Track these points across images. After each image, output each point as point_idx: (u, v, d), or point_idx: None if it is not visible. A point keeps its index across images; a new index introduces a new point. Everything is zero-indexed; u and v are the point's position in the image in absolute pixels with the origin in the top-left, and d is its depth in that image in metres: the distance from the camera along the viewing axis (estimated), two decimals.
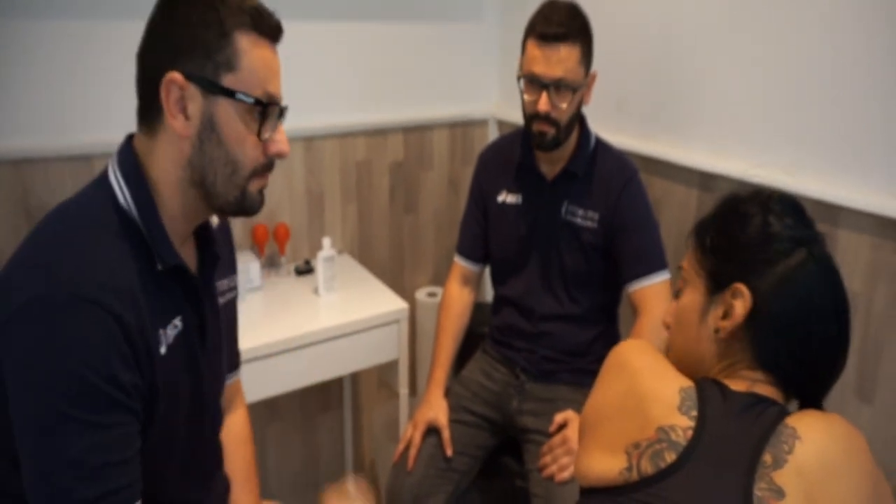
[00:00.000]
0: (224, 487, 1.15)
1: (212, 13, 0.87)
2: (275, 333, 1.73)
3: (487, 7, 2.36)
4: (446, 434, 1.61)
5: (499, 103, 2.44)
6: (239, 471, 1.20)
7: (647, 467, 0.80)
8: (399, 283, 2.41)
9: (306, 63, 2.08)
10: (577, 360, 1.67)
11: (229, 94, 0.87)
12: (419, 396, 2.38)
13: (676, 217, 1.80)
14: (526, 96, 1.52)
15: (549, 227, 1.64)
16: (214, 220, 1.09)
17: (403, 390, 1.94)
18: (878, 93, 1.32)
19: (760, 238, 0.86)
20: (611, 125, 1.91)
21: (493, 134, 2.45)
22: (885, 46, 1.29)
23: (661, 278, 1.56)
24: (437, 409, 1.65)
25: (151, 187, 0.91)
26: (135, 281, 0.86)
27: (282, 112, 0.94)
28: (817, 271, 0.85)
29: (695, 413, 0.81)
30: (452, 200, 2.45)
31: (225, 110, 0.88)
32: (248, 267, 1.95)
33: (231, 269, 1.16)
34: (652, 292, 1.55)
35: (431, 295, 2.35)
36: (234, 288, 1.17)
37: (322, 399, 2.36)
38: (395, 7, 2.19)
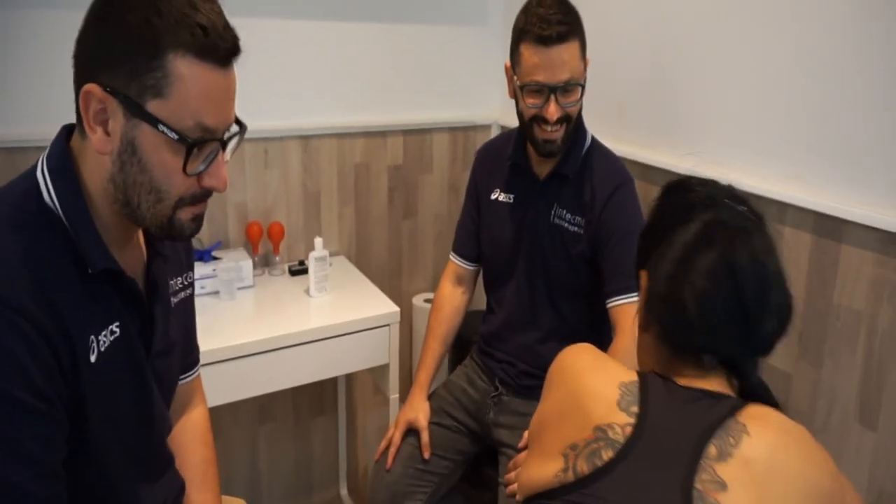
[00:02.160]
0: (178, 489, 1.10)
1: (147, 26, 0.75)
2: (262, 332, 1.70)
3: (491, 10, 2.33)
4: (425, 436, 1.60)
5: (502, 108, 2.40)
6: (196, 470, 1.15)
7: (584, 467, 0.77)
8: (396, 287, 2.37)
9: (307, 61, 2.06)
10: None
11: (152, 121, 0.77)
12: None
13: None
14: (528, 102, 1.43)
15: (537, 230, 1.58)
16: None
17: (394, 395, 1.90)
18: (884, 104, 1.27)
19: (656, 222, 0.88)
20: (611, 132, 1.87)
21: None
22: (889, 57, 1.25)
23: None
24: (417, 411, 1.64)
25: (83, 187, 0.84)
26: (56, 284, 0.79)
27: (224, 144, 0.84)
28: (704, 240, 0.82)
29: (635, 409, 0.78)
30: (452, 205, 2.41)
31: (148, 137, 0.78)
32: (240, 265, 1.92)
33: (185, 266, 1.10)
34: (627, 311, 1.42)
35: (429, 301, 2.31)
36: (188, 285, 1.11)
37: (316, 402, 2.32)
38: (398, 8, 2.16)
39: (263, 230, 2.05)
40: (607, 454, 0.76)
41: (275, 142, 2.06)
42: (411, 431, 1.63)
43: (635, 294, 1.42)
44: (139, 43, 0.75)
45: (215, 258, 1.94)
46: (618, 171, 1.54)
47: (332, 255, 2.10)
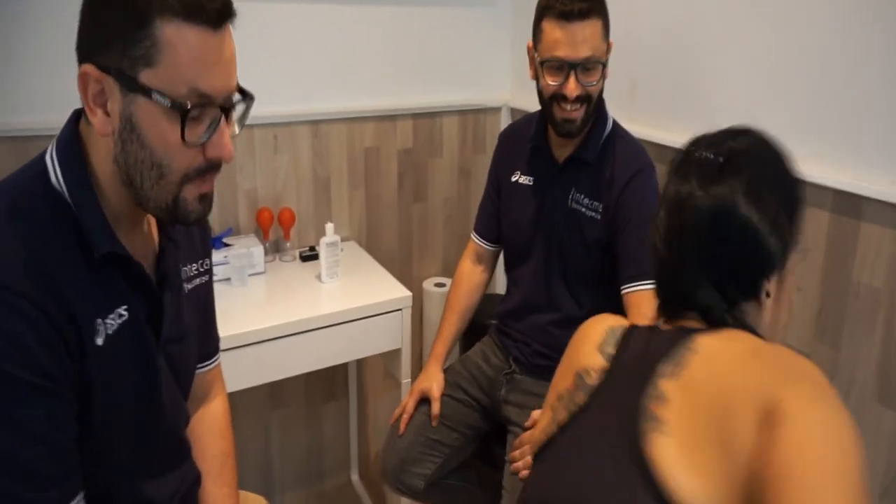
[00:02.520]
0: (192, 480, 1.09)
1: None
2: (274, 318, 1.70)
3: None
4: (436, 406, 1.64)
5: (513, 91, 2.38)
6: (213, 463, 1.14)
7: (563, 416, 0.77)
8: (407, 272, 2.36)
9: (316, 45, 2.04)
10: None
11: (146, 92, 0.76)
12: None
13: None
14: (549, 80, 1.42)
15: (555, 213, 1.58)
16: None
17: (406, 380, 1.90)
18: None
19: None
20: (623, 112, 1.85)
21: (506, 121, 2.39)
22: None
23: (652, 284, 1.47)
24: (431, 381, 1.67)
25: (90, 171, 0.83)
26: (61, 267, 0.79)
27: (227, 110, 0.82)
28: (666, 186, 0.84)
29: (611, 350, 0.78)
30: (463, 189, 2.40)
31: (144, 110, 0.77)
32: (251, 251, 1.92)
33: (201, 253, 1.09)
34: (640, 298, 1.42)
35: (439, 285, 2.30)
36: (205, 272, 1.10)
37: (327, 388, 2.32)
38: None
39: (274, 216, 2.04)
40: (580, 398, 0.77)
41: (284, 127, 2.05)
42: (425, 400, 1.67)
43: (650, 281, 1.42)
44: (126, 15, 0.75)
45: (226, 245, 1.94)
46: (638, 156, 1.52)
47: (342, 240, 2.09)
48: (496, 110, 2.39)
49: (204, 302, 1.12)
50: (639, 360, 0.76)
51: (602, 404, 0.75)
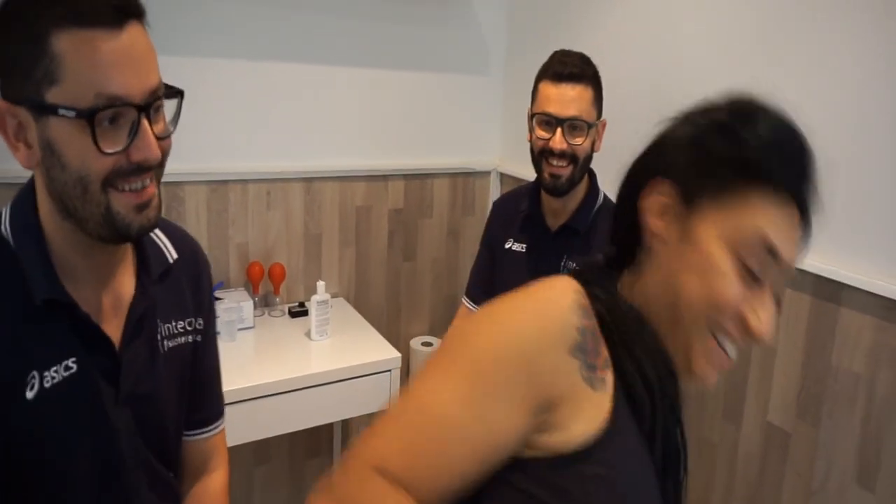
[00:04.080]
0: None
1: (20, 18, 0.72)
2: (264, 376, 1.70)
3: (493, 61, 2.39)
4: None
5: (502, 156, 2.45)
6: None
7: None
8: (394, 330, 2.38)
9: (311, 104, 2.09)
10: None
11: (54, 110, 0.73)
12: None
13: None
14: (538, 134, 1.54)
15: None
16: (173, 253, 0.98)
17: None
18: (891, 171, 1.31)
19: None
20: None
21: (494, 185, 2.45)
22: (893, 120, 1.29)
23: None
24: None
25: (39, 216, 0.82)
26: None
27: (145, 108, 0.76)
28: None
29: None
30: (451, 250, 2.44)
31: (58, 130, 0.74)
32: (241, 306, 1.92)
33: (191, 311, 1.01)
34: None
35: (426, 344, 2.32)
36: (195, 331, 1.02)
37: (311, 444, 2.31)
38: (402, 55, 2.21)
39: (265, 271, 2.06)
40: None
41: (278, 183, 2.08)
42: None
43: None
44: (21, 37, 0.72)
45: (217, 298, 1.94)
46: None
47: (332, 297, 2.11)
48: (485, 174, 2.45)
49: (188, 363, 1.02)
50: None
51: None
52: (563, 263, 1.62)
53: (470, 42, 2.33)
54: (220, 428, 1.13)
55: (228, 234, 2.04)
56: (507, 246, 1.72)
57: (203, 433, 1.09)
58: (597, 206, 1.63)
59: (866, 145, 1.34)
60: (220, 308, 1.87)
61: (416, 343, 2.34)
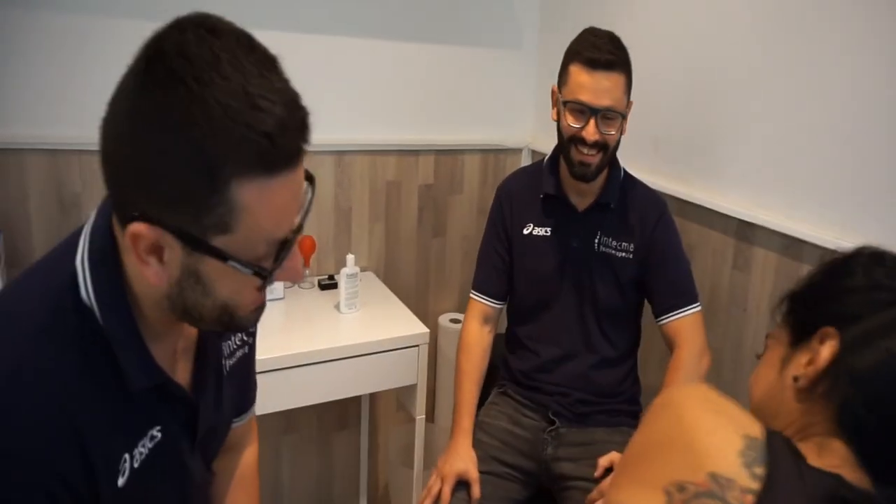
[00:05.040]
0: None
1: (199, 154, 0.59)
2: (293, 346, 1.71)
3: (527, 35, 2.35)
4: (476, 489, 1.50)
5: (534, 133, 2.42)
6: None
7: None
8: (423, 306, 2.38)
9: (344, 77, 2.09)
10: (609, 402, 1.63)
11: (220, 257, 0.65)
12: (437, 423, 2.34)
13: (711, 266, 1.74)
14: (570, 121, 1.49)
15: (582, 258, 1.61)
16: None
17: (420, 416, 1.90)
18: None
19: (860, 285, 0.75)
20: (645, 165, 1.88)
21: (526, 163, 2.43)
22: None
23: (696, 309, 1.56)
24: (467, 461, 1.53)
25: (127, 285, 0.71)
26: (87, 406, 0.68)
27: (299, 230, 0.70)
28: None
29: (760, 471, 0.65)
30: (481, 227, 2.40)
31: (215, 268, 0.66)
32: None
33: None
34: (688, 323, 1.55)
35: (455, 321, 2.32)
36: (246, 343, 1.00)
37: (339, 416, 2.33)
38: (436, 29, 2.19)
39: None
40: None
41: (308, 155, 2.05)
42: (460, 484, 1.52)
43: (693, 306, 1.56)
44: (194, 176, 0.60)
45: None
46: (657, 198, 1.64)
47: (361, 270, 2.11)
48: (517, 151, 2.43)
49: (245, 369, 1.02)
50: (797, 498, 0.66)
51: None
52: (597, 240, 1.61)
53: (503, 15, 2.30)
54: (253, 411, 1.14)
55: None
56: (525, 232, 1.67)
57: (242, 419, 1.10)
58: (621, 178, 1.62)
59: None
60: None
61: (444, 320, 2.34)
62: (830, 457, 0.72)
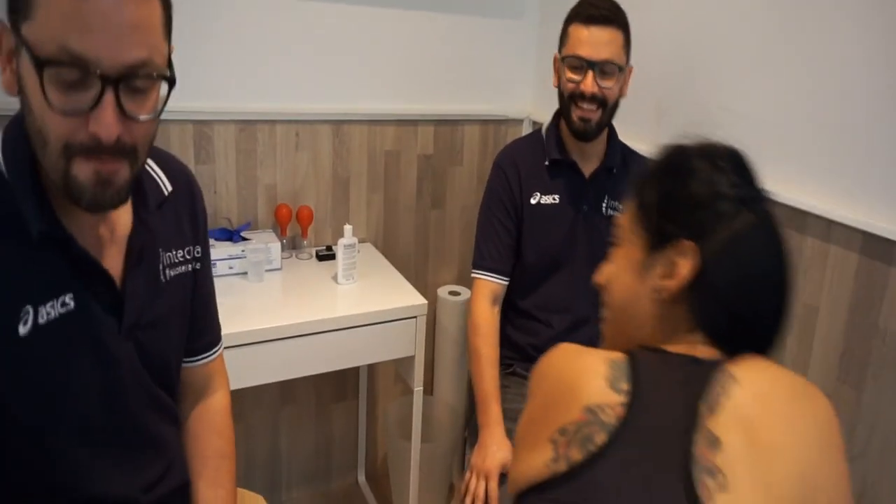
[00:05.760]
0: (177, 481, 1.03)
1: None
2: (291, 317, 1.69)
3: (528, 4, 2.29)
4: None
5: (535, 103, 2.38)
6: (207, 463, 1.08)
7: (576, 454, 0.70)
8: (422, 278, 2.36)
9: (341, 45, 2.04)
10: None
11: (21, 45, 0.71)
12: (435, 395, 2.33)
13: None
14: (569, 76, 1.53)
15: (592, 223, 1.65)
16: (168, 184, 0.98)
17: (418, 388, 1.89)
18: None
19: (707, 196, 0.79)
20: (651, 136, 1.85)
21: (527, 133, 2.39)
22: None
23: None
24: (506, 451, 1.48)
25: (32, 146, 0.77)
26: None
27: (113, 82, 0.70)
28: (762, 236, 0.79)
29: (625, 386, 0.72)
30: (481, 198, 2.39)
31: (25, 67, 0.71)
32: (269, 247, 1.91)
33: (189, 239, 1.03)
34: None
35: (454, 293, 2.30)
36: (193, 260, 1.04)
37: (338, 388, 2.32)
38: None
39: (292, 213, 2.03)
40: (600, 438, 0.69)
41: (306, 125, 2.04)
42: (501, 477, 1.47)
43: None
44: None
45: (244, 238, 1.93)
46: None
47: (359, 241, 2.09)
48: (518, 122, 2.39)
49: (192, 291, 1.05)
50: (668, 404, 0.71)
51: (634, 447, 0.69)
52: (604, 205, 1.65)
53: None
54: (219, 352, 1.17)
55: (257, 174, 2.01)
56: (533, 201, 1.66)
57: (203, 359, 1.13)
58: (619, 143, 1.68)
59: None
60: (248, 249, 1.86)
61: (443, 292, 2.32)
62: (687, 345, 0.79)
